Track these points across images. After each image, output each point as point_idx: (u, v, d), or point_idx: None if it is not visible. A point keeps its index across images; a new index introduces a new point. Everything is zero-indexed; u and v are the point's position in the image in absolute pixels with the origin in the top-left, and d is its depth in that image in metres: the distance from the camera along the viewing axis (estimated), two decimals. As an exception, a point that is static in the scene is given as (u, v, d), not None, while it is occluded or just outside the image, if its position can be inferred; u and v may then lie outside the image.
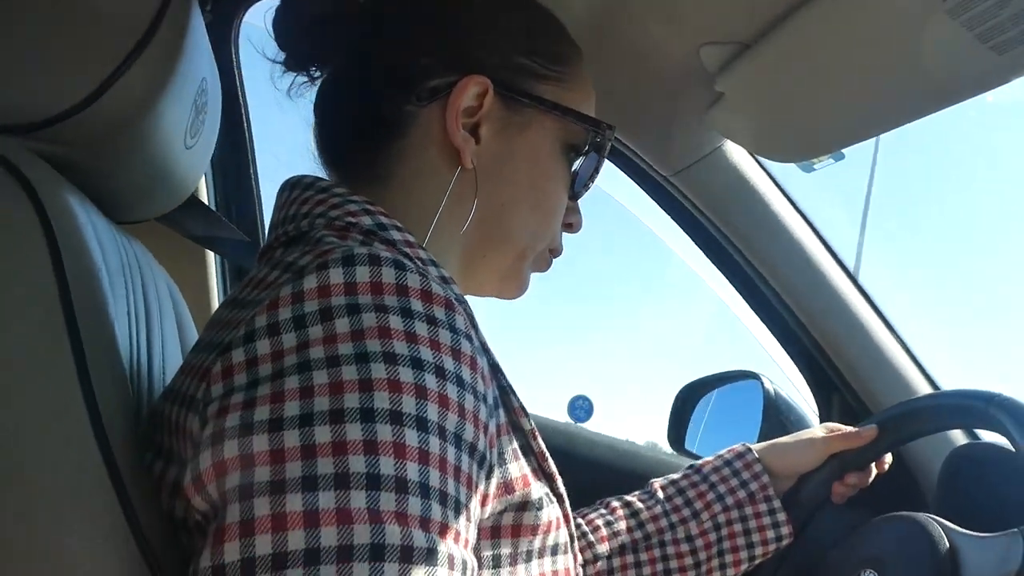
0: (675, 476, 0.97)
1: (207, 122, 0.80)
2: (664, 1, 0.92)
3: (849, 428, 0.96)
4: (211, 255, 1.21)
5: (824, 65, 0.85)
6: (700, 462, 0.98)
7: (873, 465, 0.96)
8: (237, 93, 1.21)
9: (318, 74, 0.72)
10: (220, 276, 1.24)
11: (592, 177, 0.75)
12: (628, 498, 0.96)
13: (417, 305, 0.49)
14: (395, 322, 0.47)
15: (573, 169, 0.73)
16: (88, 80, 0.60)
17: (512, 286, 0.75)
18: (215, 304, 1.22)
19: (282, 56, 0.71)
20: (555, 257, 0.77)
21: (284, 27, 0.71)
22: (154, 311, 0.76)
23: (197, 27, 0.73)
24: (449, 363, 0.48)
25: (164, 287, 0.84)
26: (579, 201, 0.78)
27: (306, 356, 0.46)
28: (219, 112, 0.87)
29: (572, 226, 0.78)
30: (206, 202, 1.27)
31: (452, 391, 0.47)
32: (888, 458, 0.97)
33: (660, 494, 0.95)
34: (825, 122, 0.95)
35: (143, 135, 0.67)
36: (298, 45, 0.71)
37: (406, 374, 0.46)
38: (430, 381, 0.46)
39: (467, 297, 0.75)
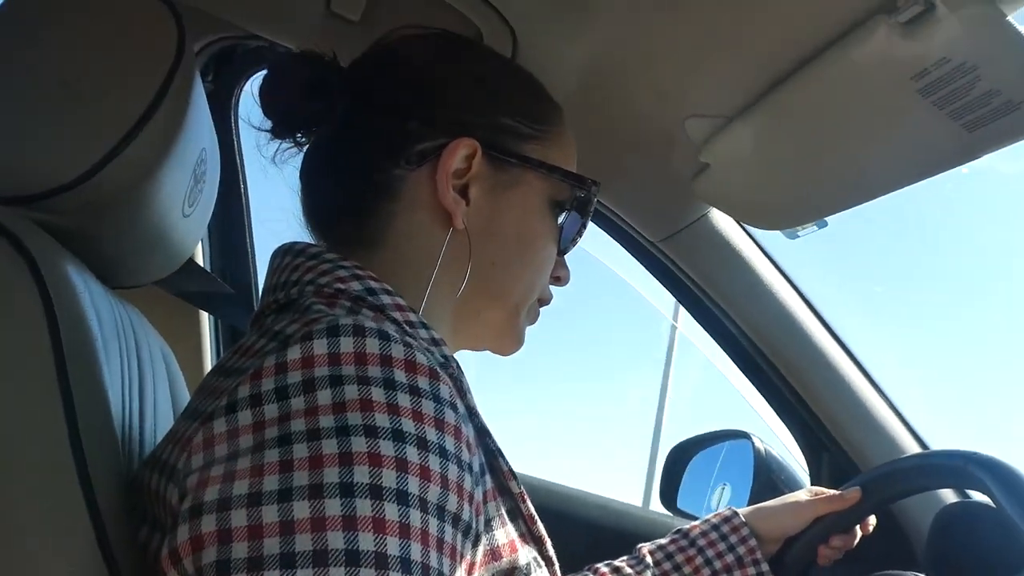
0: (663, 541, 0.98)
1: (205, 191, 0.82)
2: (650, 76, 0.96)
3: (833, 492, 0.97)
4: (205, 317, 1.22)
5: (803, 139, 0.88)
6: (688, 526, 0.99)
7: (858, 527, 0.96)
8: (235, 159, 1.24)
9: (304, 140, 0.73)
10: (214, 339, 1.25)
11: (579, 231, 0.76)
12: (617, 563, 0.96)
13: (400, 376, 0.49)
14: (377, 394, 0.47)
15: (560, 224, 0.74)
16: (92, 152, 0.62)
17: (508, 341, 0.76)
18: (209, 367, 1.22)
19: (268, 124, 0.72)
20: (543, 306, 0.78)
21: (270, 94, 0.71)
22: (147, 375, 0.77)
23: (199, 98, 0.76)
24: (432, 434, 0.48)
25: (158, 351, 0.85)
26: (568, 258, 0.79)
27: (287, 429, 0.46)
28: (217, 180, 0.89)
29: (560, 279, 0.79)
30: (202, 263, 1.28)
31: (434, 462, 0.47)
32: (872, 520, 0.98)
33: (648, 559, 0.95)
34: (806, 193, 0.98)
35: (143, 204, 0.68)
36: (284, 112, 0.71)
37: (387, 447, 0.46)
38: (411, 453, 0.46)
39: (463, 352, 0.77)
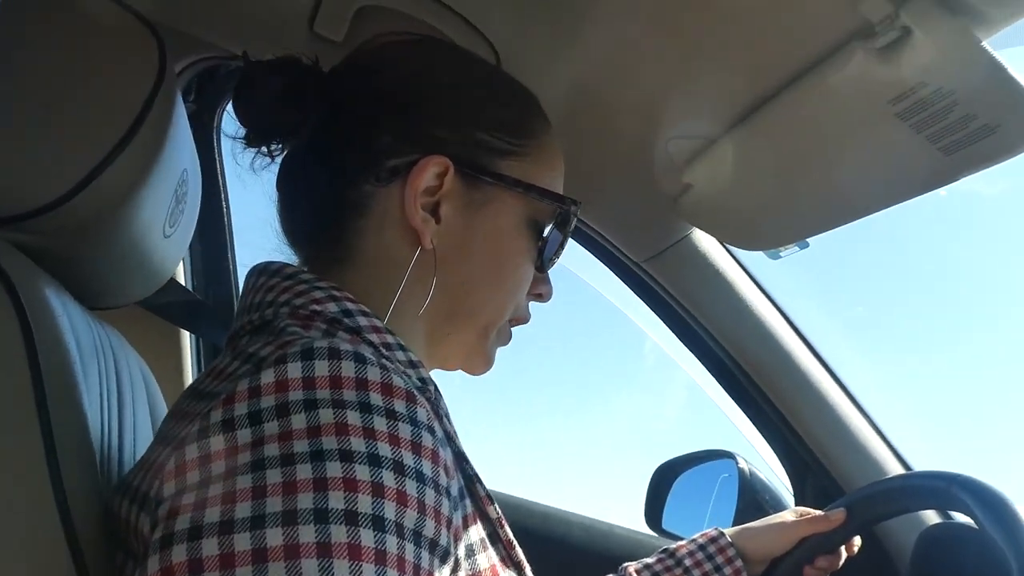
0: (649, 560, 0.97)
1: (186, 211, 0.82)
2: (633, 97, 0.96)
3: (818, 512, 0.97)
4: (186, 337, 1.21)
5: (784, 161, 0.89)
6: (674, 546, 0.99)
7: (843, 547, 0.97)
8: (217, 179, 1.23)
9: (278, 150, 0.71)
10: (195, 359, 1.24)
11: (558, 251, 0.74)
12: None
13: (376, 399, 0.48)
14: (352, 418, 0.46)
15: (538, 243, 0.72)
16: (72, 173, 0.62)
17: (477, 362, 0.74)
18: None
19: (243, 132, 0.70)
20: (521, 324, 0.76)
21: (245, 102, 0.69)
22: (127, 396, 0.76)
23: (180, 119, 0.76)
24: (409, 458, 0.47)
25: (137, 371, 0.84)
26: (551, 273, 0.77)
27: (260, 454, 0.45)
28: (199, 200, 0.89)
29: (542, 296, 0.76)
30: (183, 282, 1.28)
31: (411, 487, 0.47)
32: (857, 540, 0.98)
33: None
34: (787, 214, 0.99)
35: (123, 226, 0.68)
36: (258, 120, 0.69)
37: (362, 472, 0.45)
38: (387, 478, 0.46)
39: (439, 374, 0.75)
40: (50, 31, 0.68)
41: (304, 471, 0.44)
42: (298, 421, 0.46)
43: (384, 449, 0.46)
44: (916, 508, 1.14)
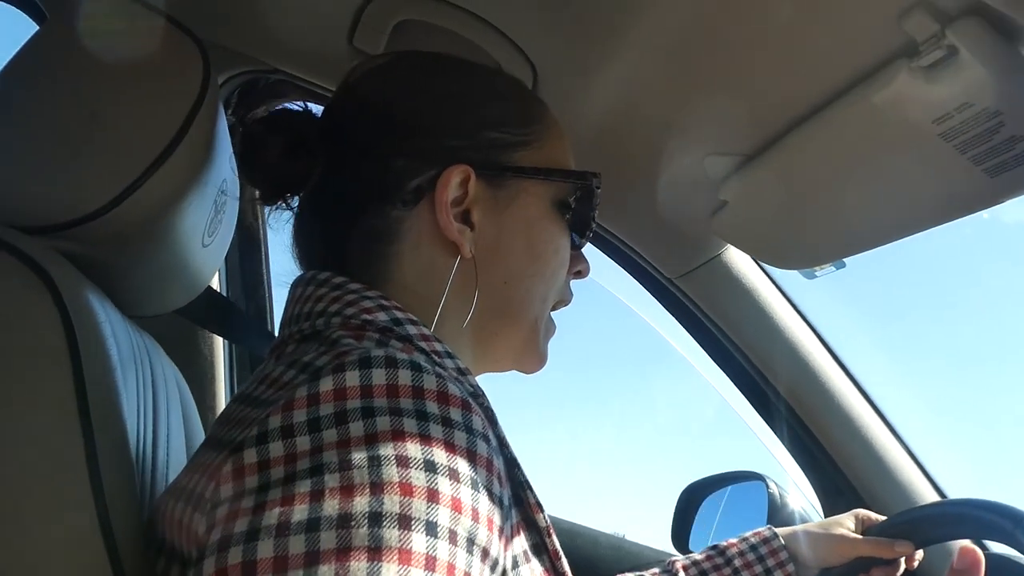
0: (698, 556, 0.96)
1: (225, 220, 0.83)
2: (670, 113, 0.96)
3: (880, 517, 0.95)
4: (220, 345, 1.22)
5: (823, 179, 0.88)
6: (724, 543, 0.96)
7: (903, 560, 0.93)
8: (253, 189, 1.25)
9: (294, 201, 0.72)
10: (228, 365, 1.25)
11: (589, 224, 0.75)
12: (647, 575, 0.94)
13: (433, 407, 0.49)
14: (409, 425, 0.47)
15: (568, 221, 0.72)
16: (116, 184, 0.63)
17: (530, 360, 0.75)
18: (222, 395, 1.23)
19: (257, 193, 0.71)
20: (563, 307, 0.77)
21: (250, 164, 0.70)
22: (162, 404, 0.77)
23: (222, 130, 0.77)
24: (464, 466, 0.48)
25: (172, 379, 0.85)
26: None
27: (319, 460, 0.45)
28: (236, 209, 0.90)
29: (581, 273, 0.77)
30: (218, 288, 1.29)
31: (466, 494, 0.47)
32: (919, 555, 0.94)
33: (682, 574, 0.93)
34: (824, 233, 0.98)
35: (164, 235, 0.69)
36: (268, 180, 0.70)
37: (418, 477, 0.45)
38: (443, 484, 0.46)
39: (489, 376, 0.75)
40: (99, 43, 0.69)
41: (360, 475, 0.44)
42: (356, 429, 0.46)
43: (440, 456, 0.47)
44: (973, 536, 1.11)
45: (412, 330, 0.62)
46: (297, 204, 0.72)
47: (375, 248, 0.67)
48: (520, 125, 0.70)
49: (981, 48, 0.63)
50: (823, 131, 0.82)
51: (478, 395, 0.62)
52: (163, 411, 0.77)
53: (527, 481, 0.61)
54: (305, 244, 0.72)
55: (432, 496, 0.45)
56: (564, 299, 0.76)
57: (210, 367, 1.20)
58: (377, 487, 0.44)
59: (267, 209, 0.72)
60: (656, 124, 0.98)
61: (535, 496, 0.61)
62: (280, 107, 0.71)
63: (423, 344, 0.62)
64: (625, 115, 0.98)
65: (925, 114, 0.70)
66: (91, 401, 0.53)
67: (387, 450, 0.46)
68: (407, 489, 0.44)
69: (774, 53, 0.80)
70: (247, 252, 1.28)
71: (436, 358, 0.61)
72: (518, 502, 0.60)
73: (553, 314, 0.77)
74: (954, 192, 0.78)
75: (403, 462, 0.45)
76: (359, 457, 0.45)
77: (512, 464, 0.60)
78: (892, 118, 0.73)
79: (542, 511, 0.61)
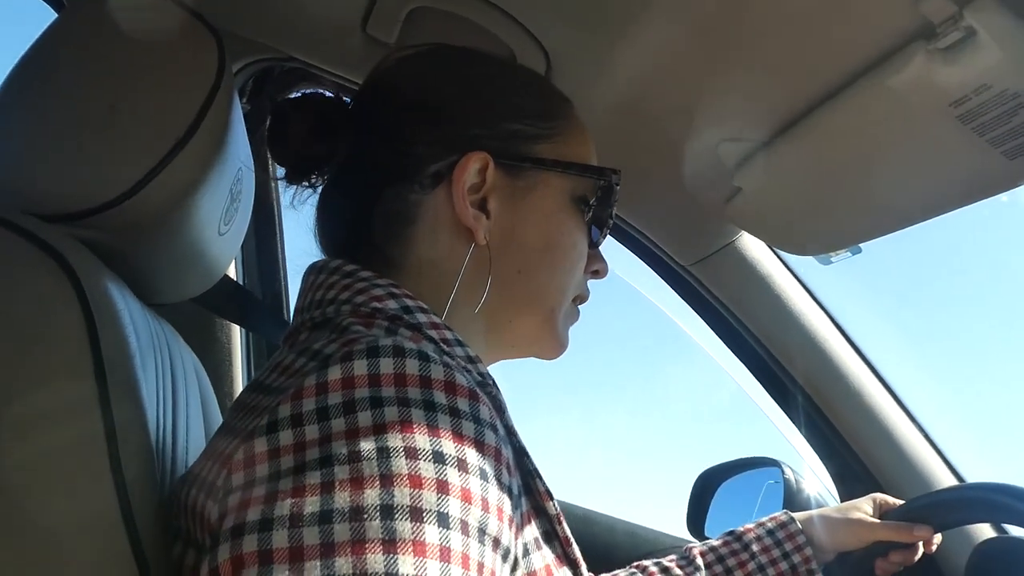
0: (715, 542, 0.96)
1: (240, 209, 0.83)
2: (683, 99, 0.96)
3: (898, 502, 0.94)
4: (237, 333, 1.23)
5: (838, 164, 0.87)
6: (741, 528, 0.96)
7: (920, 543, 0.93)
8: (269, 177, 1.25)
9: (318, 182, 0.73)
10: (245, 353, 1.26)
11: (607, 223, 0.75)
12: (665, 563, 0.94)
13: (440, 397, 0.49)
14: (417, 415, 0.47)
15: (587, 218, 0.73)
16: (133, 172, 0.64)
17: (549, 345, 0.75)
18: (240, 382, 1.24)
19: (282, 172, 0.73)
20: (581, 303, 0.77)
21: (277, 143, 0.72)
22: (180, 390, 0.78)
23: (237, 119, 0.77)
24: (472, 456, 0.48)
25: (191, 367, 0.86)
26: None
27: (328, 450, 0.46)
28: (252, 197, 0.90)
29: (598, 272, 0.77)
30: (234, 276, 1.30)
31: (475, 484, 0.47)
32: (937, 538, 0.94)
33: (699, 560, 0.93)
34: (840, 219, 0.97)
35: (181, 223, 0.70)
36: (293, 158, 0.72)
37: (427, 469, 0.45)
38: (452, 475, 0.46)
39: (504, 363, 0.76)
40: (115, 33, 0.69)
41: (370, 467, 0.45)
42: (364, 418, 0.47)
43: (448, 446, 0.47)
44: (996, 520, 1.11)
45: (422, 318, 0.62)
46: (321, 186, 0.73)
47: (392, 229, 0.68)
48: (543, 119, 0.71)
49: (998, 30, 0.62)
50: (839, 116, 0.82)
51: (486, 384, 0.62)
52: (182, 398, 0.78)
53: (536, 469, 0.61)
54: (327, 225, 0.74)
55: (442, 487, 0.45)
56: (582, 295, 0.76)
57: (227, 354, 1.21)
58: (387, 479, 0.44)
59: (286, 193, 0.74)
60: (670, 111, 0.98)
61: (544, 484, 0.62)
62: (310, 90, 0.72)
63: (433, 332, 0.62)
64: (638, 102, 0.98)
65: (942, 97, 0.69)
66: (111, 388, 0.53)
67: (395, 441, 0.46)
68: (416, 481, 0.45)
69: (789, 37, 0.79)
70: (263, 240, 1.28)
71: (445, 347, 0.62)
72: (528, 491, 0.60)
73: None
74: (972, 175, 0.77)
75: (412, 453, 0.46)
76: (368, 448, 0.45)
77: (521, 453, 0.60)
78: (909, 101, 0.73)
79: (552, 499, 0.62)
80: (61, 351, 0.53)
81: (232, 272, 1.30)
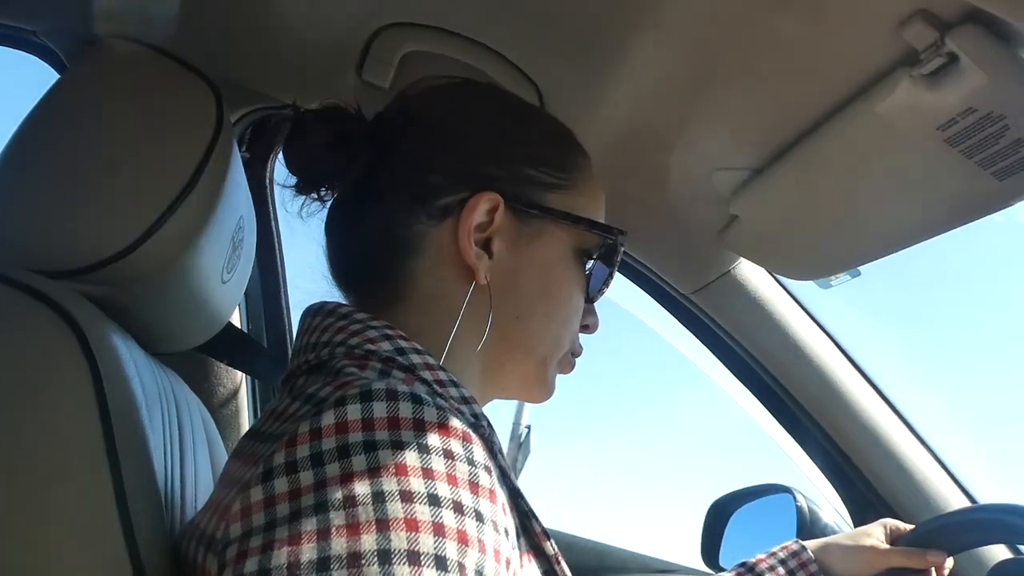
0: (727, 574, 0.96)
1: (243, 256, 0.84)
2: (676, 129, 0.97)
3: (909, 527, 0.94)
4: (243, 380, 1.23)
5: (832, 190, 0.88)
6: (753, 559, 0.96)
7: (933, 569, 0.92)
8: (270, 223, 1.27)
9: (327, 195, 0.73)
10: (251, 400, 1.26)
11: (607, 281, 0.75)
12: None
13: (434, 440, 0.49)
14: (411, 458, 0.47)
15: (587, 273, 0.73)
16: (135, 226, 0.65)
17: (537, 391, 0.75)
18: (245, 428, 1.24)
19: (292, 180, 0.72)
20: (576, 357, 0.77)
21: (294, 151, 0.72)
22: (188, 440, 0.78)
23: (237, 167, 0.78)
24: (467, 498, 0.48)
25: (197, 415, 0.86)
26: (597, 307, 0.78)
27: (323, 496, 0.46)
28: (254, 245, 0.92)
29: (588, 327, 0.77)
30: (238, 323, 1.30)
31: (471, 526, 0.47)
32: (949, 562, 0.93)
33: None
34: (836, 243, 0.98)
35: (183, 274, 0.70)
36: (308, 168, 0.71)
37: (423, 512, 0.45)
38: (448, 518, 0.46)
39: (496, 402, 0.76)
40: (115, 90, 0.71)
41: (366, 512, 0.45)
42: (359, 463, 0.47)
43: (443, 489, 0.47)
44: (1011, 542, 1.09)
45: (416, 359, 0.62)
46: (331, 202, 0.73)
47: (395, 261, 0.68)
48: (559, 169, 0.71)
49: (981, 54, 0.63)
50: (830, 142, 0.83)
51: (480, 425, 0.62)
52: (189, 447, 0.78)
53: (532, 510, 0.61)
54: (335, 243, 0.74)
55: (438, 530, 0.45)
56: (575, 349, 0.76)
57: (233, 400, 1.21)
58: (383, 524, 0.44)
59: (294, 203, 0.73)
60: (663, 141, 0.99)
61: (541, 524, 0.61)
62: (333, 102, 0.72)
63: (426, 374, 0.62)
64: (631, 133, 0.99)
65: (929, 121, 0.70)
66: (118, 441, 0.54)
67: (390, 485, 0.46)
68: (413, 524, 0.45)
69: (777, 66, 0.81)
70: (267, 284, 1.29)
71: (439, 387, 0.62)
72: (524, 531, 0.60)
73: None
74: (964, 196, 0.78)
75: (407, 497, 0.46)
76: (363, 492, 0.45)
77: (515, 494, 0.60)
78: (897, 126, 0.73)
79: (549, 539, 0.61)
80: (68, 405, 0.53)
81: (235, 319, 1.31)
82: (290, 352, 1.33)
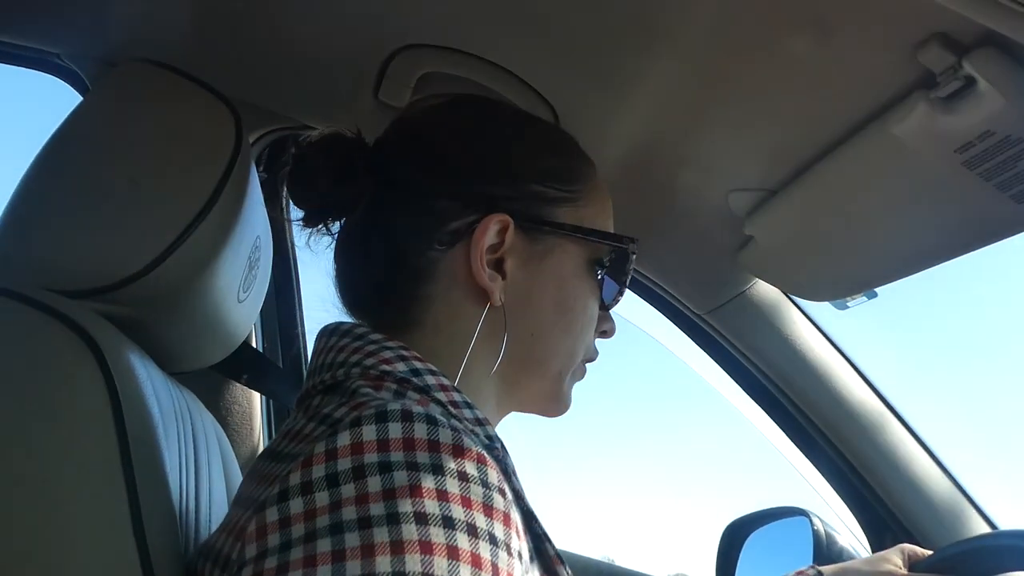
0: None
1: (259, 276, 0.85)
2: (692, 150, 0.97)
3: (927, 552, 0.93)
4: (257, 399, 1.24)
5: (848, 211, 0.88)
6: None
7: None
8: (286, 242, 1.27)
9: (334, 226, 0.73)
10: (266, 419, 1.26)
11: (621, 289, 0.74)
12: None
13: (449, 462, 0.49)
14: (427, 480, 0.47)
15: (600, 281, 0.73)
16: (154, 246, 0.65)
17: (554, 406, 0.75)
18: (260, 448, 1.24)
19: (300, 214, 0.71)
20: (589, 362, 0.77)
21: (298, 185, 0.71)
22: (203, 458, 0.78)
23: (254, 188, 0.79)
24: (481, 520, 0.48)
25: (212, 434, 0.86)
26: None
27: (338, 517, 0.46)
28: (270, 265, 0.92)
29: (606, 333, 0.77)
30: (253, 343, 1.31)
31: (485, 549, 0.47)
32: None
33: None
34: (852, 265, 0.98)
35: (201, 293, 0.71)
36: (313, 201, 0.71)
37: (437, 534, 0.45)
38: (462, 540, 0.46)
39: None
40: (136, 112, 0.72)
41: (381, 534, 0.45)
42: (374, 484, 0.47)
43: (457, 511, 0.47)
44: None
45: (431, 380, 0.62)
46: (339, 230, 0.73)
47: (408, 288, 0.68)
48: (566, 182, 0.71)
49: (998, 77, 0.63)
50: (846, 164, 0.83)
51: (494, 447, 0.62)
52: (204, 465, 0.78)
53: (545, 533, 0.61)
54: (344, 274, 0.73)
55: (452, 553, 0.45)
56: (590, 356, 0.76)
57: (248, 419, 1.21)
58: (398, 546, 0.44)
59: (302, 235, 0.72)
60: (677, 162, 0.99)
61: (554, 548, 0.61)
62: (332, 130, 0.71)
63: (441, 395, 0.62)
64: (646, 154, 0.99)
65: (947, 144, 0.70)
66: (135, 460, 0.54)
67: (405, 507, 0.46)
68: (427, 547, 0.45)
69: (791, 89, 0.81)
70: (283, 304, 1.30)
71: (453, 408, 0.62)
72: (539, 554, 0.60)
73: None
74: (982, 219, 0.78)
75: (422, 519, 0.46)
76: (378, 514, 0.45)
77: (529, 517, 0.60)
78: (914, 149, 0.73)
79: (563, 563, 0.61)
80: (85, 424, 0.54)
81: (252, 340, 1.31)
82: (304, 366, 1.34)
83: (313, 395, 0.64)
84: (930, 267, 0.88)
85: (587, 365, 0.77)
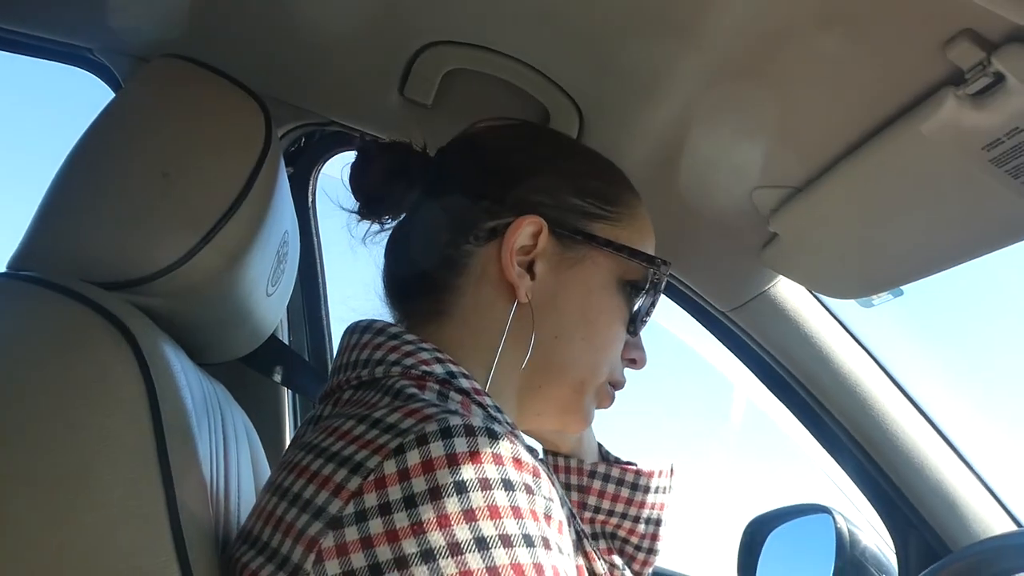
0: None
1: (287, 270, 0.86)
2: (717, 148, 0.97)
3: None
4: (283, 390, 1.25)
5: (874, 209, 0.87)
6: None
7: None
8: (312, 237, 1.29)
9: (389, 222, 0.77)
10: (292, 411, 1.28)
11: (648, 312, 0.77)
12: None
13: (514, 475, 0.51)
14: (500, 498, 0.49)
15: (629, 302, 0.74)
16: (187, 239, 0.67)
17: (574, 420, 0.76)
18: (286, 438, 1.25)
19: (356, 205, 0.77)
20: (617, 390, 0.78)
21: (358, 179, 0.76)
22: (232, 449, 0.79)
23: (283, 183, 0.80)
24: (552, 533, 0.50)
25: (241, 424, 0.88)
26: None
27: (427, 543, 0.47)
28: (297, 259, 0.93)
29: (635, 362, 0.78)
30: (280, 336, 1.32)
31: (558, 560, 0.49)
32: None
33: None
34: (878, 262, 0.97)
35: (231, 287, 0.72)
36: (370, 195, 0.76)
37: (523, 555, 0.48)
38: (542, 556, 0.49)
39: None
40: (168, 107, 0.73)
41: (475, 560, 0.47)
42: (452, 504, 0.48)
43: (531, 527, 0.50)
44: None
45: (466, 384, 0.64)
46: (393, 229, 0.78)
47: (444, 277, 0.71)
48: (606, 201, 0.74)
49: (1028, 73, 0.62)
50: (873, 161, 0.82)
51: (536, 452, 0.63)
52: (233, 456, 0.79)
53: (583, 530, 0.64)
54: (390, 262, 0.77)
55: (539, 571, 0.48)
56: (617, 381, 0.77)
57: (275, 411, 1.23)
58: (493, 572, 0.47)
59: (358, 228, 0.77)
60: (703, 160, 0.99)
61: (591, 544, 0.64)
62: (401, 140, 0.77)
63: (478, 399, 0.64)
64: (672, 152, 0.99)
65: (975, 140, 0.69)
66: (170, 449, 0.55)
67: (488, 529, 0.48)
68: (519, 570, 0.47)
69: (819, 86, 0.81)
70: (308, 299, 1.31)
71: (491, 412, 0.64)
72: (578, 550, 0.62)
73: None
74: (1010, 217, 0.77)
75: (507, 541, 0.48)
76: (464, 539, 0.47)
77: (572, 517, 0.62)
78: (942, 145, 0.73)
79: (599, 558, 0.64)
80: (123, 413, 0.55)
81: (279, 334, 1.33)
82: (330, 364, 1.35)
83: (344, 389, 0.65)
84: (957, 265, 0.88)
85: (616, 393, 0.78)
